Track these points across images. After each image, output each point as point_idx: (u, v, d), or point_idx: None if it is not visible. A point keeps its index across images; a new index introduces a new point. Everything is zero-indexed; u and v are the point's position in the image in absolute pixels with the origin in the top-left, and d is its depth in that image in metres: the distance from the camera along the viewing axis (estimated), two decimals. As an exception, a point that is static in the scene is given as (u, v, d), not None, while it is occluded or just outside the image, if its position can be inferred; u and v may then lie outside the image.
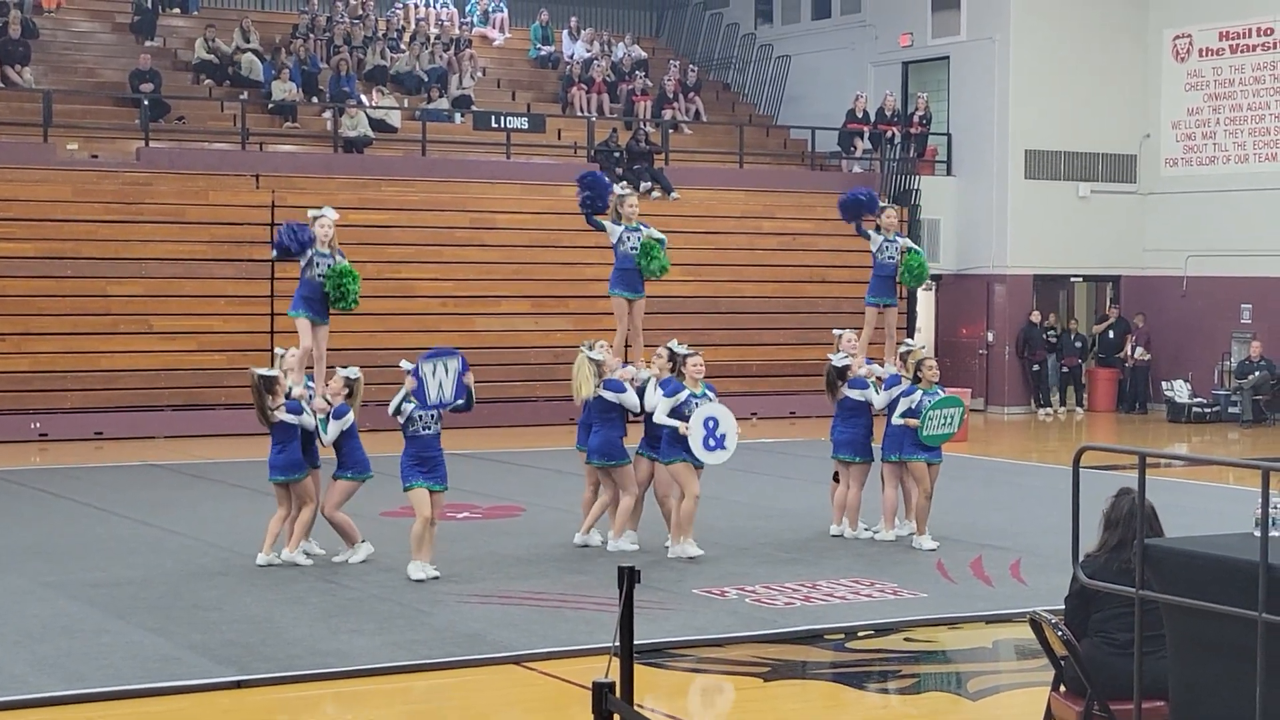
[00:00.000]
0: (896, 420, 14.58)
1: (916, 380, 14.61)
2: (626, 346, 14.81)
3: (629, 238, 14.59)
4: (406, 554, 13.73)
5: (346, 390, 13.61)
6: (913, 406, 14.46)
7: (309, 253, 13.58)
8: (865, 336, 15.72)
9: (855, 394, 14.88)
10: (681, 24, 36.86)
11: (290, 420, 13.34)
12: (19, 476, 19.46)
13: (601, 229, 14.63)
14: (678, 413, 13.67)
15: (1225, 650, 6.16)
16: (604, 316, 27.05)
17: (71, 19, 30.40)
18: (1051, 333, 30.19)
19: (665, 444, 13.81)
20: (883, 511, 14.98)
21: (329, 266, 13.61)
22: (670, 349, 14.08)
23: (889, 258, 15.66)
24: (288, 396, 13.41)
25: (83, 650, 10.49)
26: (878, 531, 14.99)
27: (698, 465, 13.79)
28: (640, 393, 14.16)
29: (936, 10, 31.22)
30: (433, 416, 12.78)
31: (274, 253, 14.09)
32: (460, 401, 12.90)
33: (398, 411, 12.71)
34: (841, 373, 15.03)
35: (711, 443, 13.67)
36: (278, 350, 14.33)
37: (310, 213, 13.83)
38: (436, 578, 12.74)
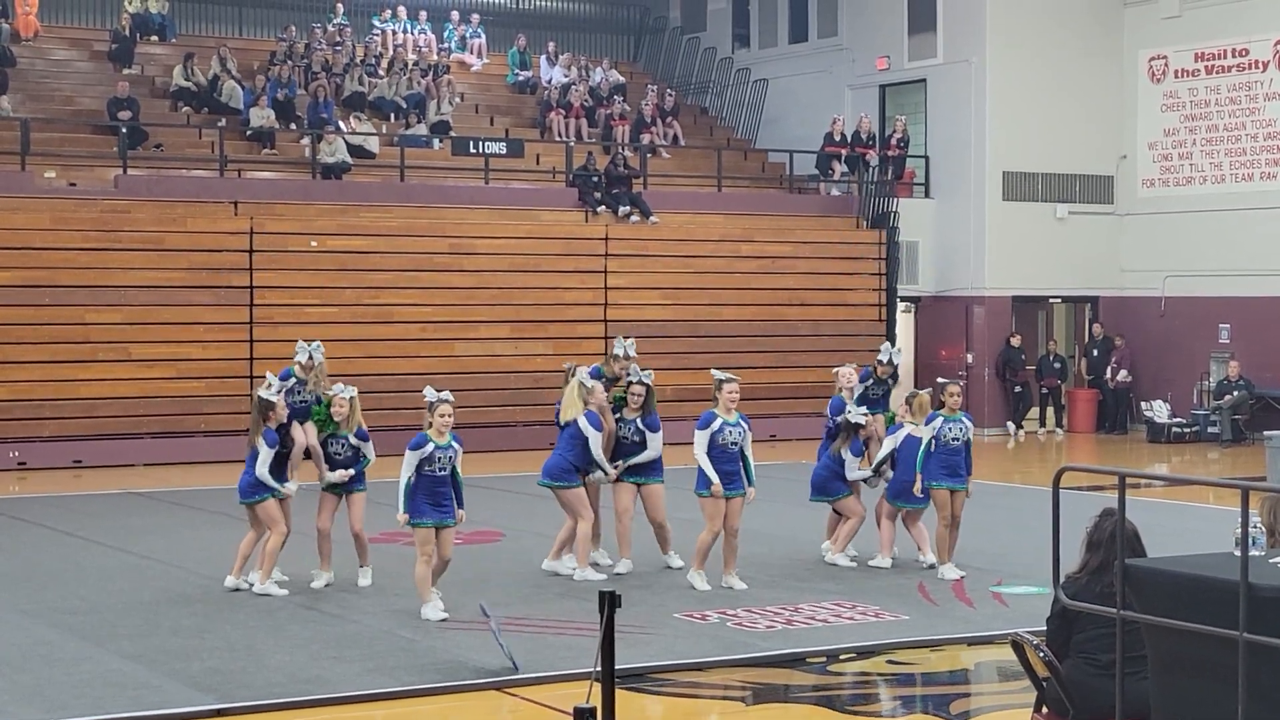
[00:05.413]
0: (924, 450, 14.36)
1: (940, 406, 14.49)
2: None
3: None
4: (388, 578, 13.73)
5: (346, 409, 13.63)
6: (935, 433, 14.28)
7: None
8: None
9: (856, 463, 14.91)
10: (659, 48, 36.93)
11: (261, 447, 13.31)
12: (-3, 505, 19.40)
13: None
14: (713, 441, 13.59)
15: (1207, 670, 6.17)
16: (582, 341, 27.24)
17: (49, 47, 30.36)
18: (1020, 356, 30.20)
19: (700, 479, 13.66)
20: (881, 543, 14.96)
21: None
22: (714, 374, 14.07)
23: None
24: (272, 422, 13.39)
25: (63, 679, 10.45)
26: (873, 560, 14.99)
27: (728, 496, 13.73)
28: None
29: (913, 33, 31.32)
30: (449, 458, 12.47)
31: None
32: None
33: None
34: (855, 429, 14.99)
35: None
36: (268, 376, 14.30)
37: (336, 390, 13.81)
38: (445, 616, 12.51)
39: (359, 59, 31.39)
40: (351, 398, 13.67)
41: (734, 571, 13.82)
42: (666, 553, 14.71)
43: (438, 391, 12.67)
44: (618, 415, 14.40)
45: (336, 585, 13.70)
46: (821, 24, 33.72)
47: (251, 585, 13.47)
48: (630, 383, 14.42)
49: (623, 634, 9.94)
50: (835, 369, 16.10)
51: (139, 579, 14.30)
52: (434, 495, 12.44)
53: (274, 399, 13.42)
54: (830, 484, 15.05)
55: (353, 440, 13.65)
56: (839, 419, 15.13)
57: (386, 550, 14.77)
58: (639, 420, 14.34)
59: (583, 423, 14.09)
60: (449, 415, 12.50)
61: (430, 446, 12.38)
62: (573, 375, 14.47)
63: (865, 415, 15.13)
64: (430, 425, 12.46)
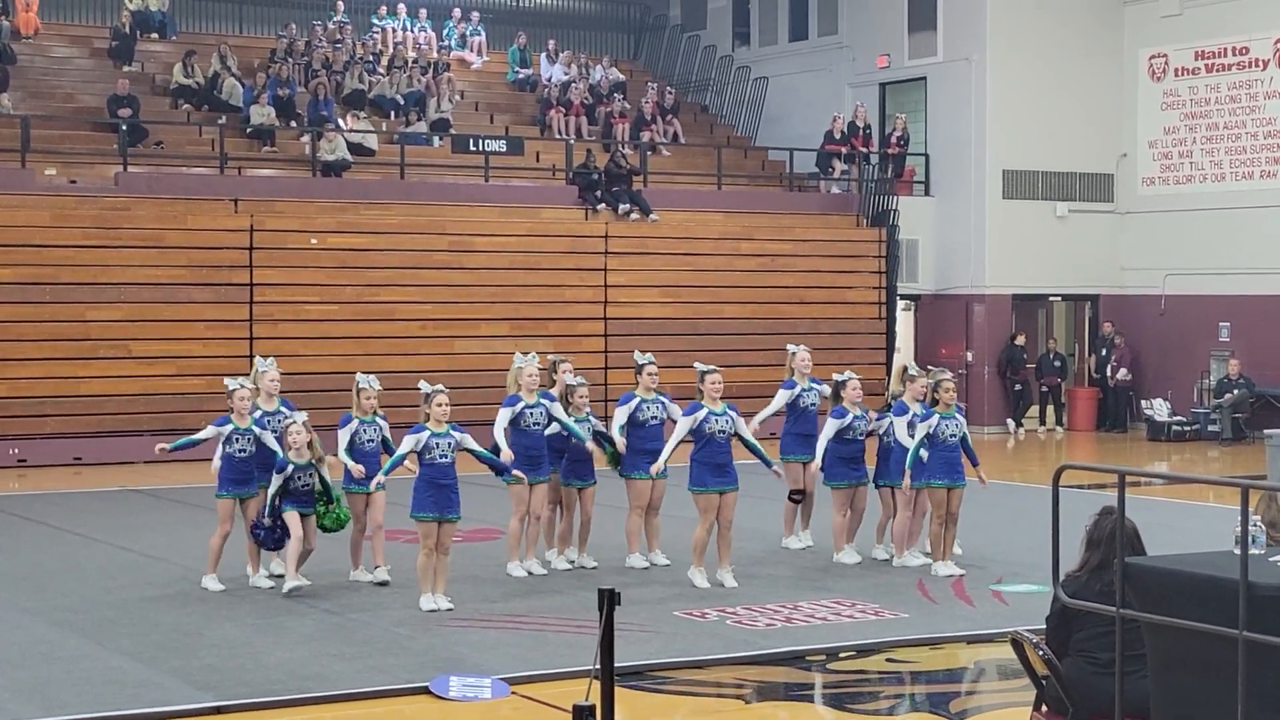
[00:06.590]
0: (916, 446, 14.18)
1: (934, 403, 14.38)
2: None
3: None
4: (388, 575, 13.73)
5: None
6: (931, 431, 14.18)
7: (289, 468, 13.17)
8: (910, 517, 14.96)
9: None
10: (659, 46, 36.93)
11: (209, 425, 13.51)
12: (-3, 503, 19.41)
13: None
14: (698, 431, 13.55)
15: (1206, 669, 6.16)
16: (582, 339, 27.24)
17: (50, 44, 30.35)
18: (1022, 355, 30.16)
19: (692, 475, 13.64)
20: (892, 536, 14.92)
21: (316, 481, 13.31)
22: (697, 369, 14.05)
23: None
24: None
25: (62, 676, 10.45)
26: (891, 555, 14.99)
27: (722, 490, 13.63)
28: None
29: (913, 32, 31.32)
30: (449, 445, 12.54)
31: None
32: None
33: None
34: (840, 386, 14.98)
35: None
36: (257, 359, 14.29)
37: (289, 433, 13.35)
38: (450, 610, 12.54)
39: (359, 56, 31.39)
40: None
41: (729, 567, 13.79)
42: (633, 551, 14.65)
43: (431, 385, 12.71)
44: (638, 399, 14.31)
45: (336, 583, 13.69)
46: (822, 22, 33.71)
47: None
48: (642, 365, 14.42)
49: (622, 631, 9.94)
50: (790, 348, 16.02)
51: (139, 576, 14.29)
52: (437, 488, 12.48)
53: (233, 385, 13.55)
54: (833, 468, 14.95)
55: (380, 423, 13.65)
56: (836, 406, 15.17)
57: (388, 547, 14.73)
58: (661, 398, 14.36)
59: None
60: (445, 405, 12.59)
61: (426, 434, 12.44)
62: (554, 371, 14.60)
63: (850, 375, 15.10)
64: (428, 417, 12.52)
